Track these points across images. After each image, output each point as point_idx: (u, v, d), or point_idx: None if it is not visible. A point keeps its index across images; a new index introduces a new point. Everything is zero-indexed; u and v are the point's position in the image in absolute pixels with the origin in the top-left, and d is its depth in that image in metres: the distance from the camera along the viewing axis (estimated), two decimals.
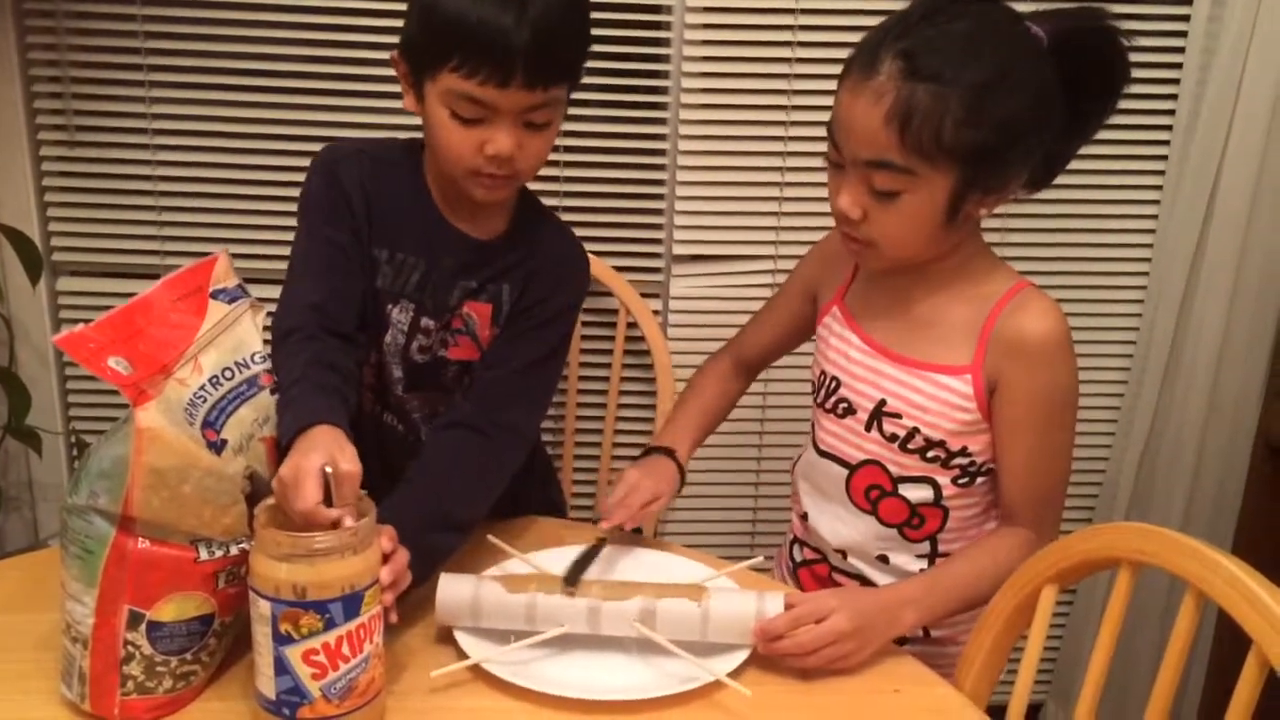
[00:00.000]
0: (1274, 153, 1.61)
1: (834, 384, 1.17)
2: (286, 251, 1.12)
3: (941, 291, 1.10)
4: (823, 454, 1.19)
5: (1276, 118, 1.59)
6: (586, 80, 1.10)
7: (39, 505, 1.77)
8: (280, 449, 0.92)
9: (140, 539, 0.85)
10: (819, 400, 1.20)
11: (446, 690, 0.94)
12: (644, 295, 1.66)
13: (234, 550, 0.89)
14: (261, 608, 0.83)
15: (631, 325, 1.64)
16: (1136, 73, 1.06)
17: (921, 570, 1.14)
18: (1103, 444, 1.80)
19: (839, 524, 1.18)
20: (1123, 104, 1.06)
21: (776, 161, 1.66)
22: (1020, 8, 1.03)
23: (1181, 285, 1.67)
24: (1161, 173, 1.69)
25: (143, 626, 0.86)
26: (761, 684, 0.96)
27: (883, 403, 1.12)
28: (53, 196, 1.66)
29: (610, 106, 1.67)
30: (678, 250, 1.70)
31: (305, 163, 1.14)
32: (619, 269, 1.65)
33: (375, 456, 0.92)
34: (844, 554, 1.19)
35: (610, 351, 1.68)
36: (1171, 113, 1.66)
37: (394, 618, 0.92)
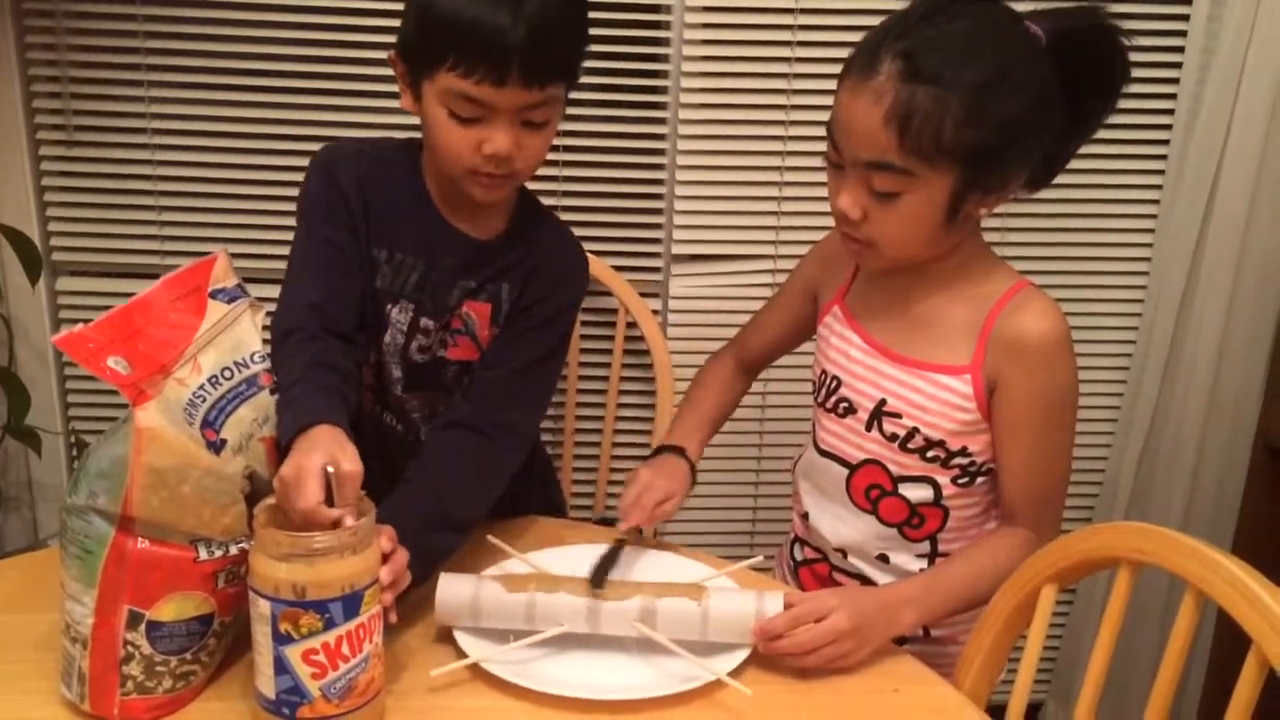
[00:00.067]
0: (1273, 152, 1.61)
1: (834, 383, 1.17)
2: (285, 251, 1.12)
3: (941, 291, 1.10)
4: (823, 453, 1.19)
5: (1275, 117, 1.59)
6: (586, 80, 1.10)
7: (39, 505, 1.77)
8: (281, 449, 0.92)
9: (140, 539, 0.85)
10: (819, 400, 1.20)
11: (446, 690, 0.94)
12: (643, 295, 1.66)
13: (233, 550, 0.89)
14: (261, 607, 0.83)
15: (631, 325, 1.64)
16: (1136, 72, 1.05)
17: (921, 570, 1.14)
18: (1102, 443, 1.80)
19: (839, 523, 1.18)
20: (1122, 103, 1.06)
21: (776, 161, 1.66)
22: (1019, 7, 1.03)
23: (1181, 284, 1.67)
24: (1161, 172, 1.69)
25: (142, 626, 0.86)
26: (761, 683, 0.96)
27: (883, 402, 1.12)
28: (52, 196, 1.67)
29: (610, 106, 1.67)
30: (677, 250, 1.70)
31: (304, 162, 1.13)
32: (618, 269, 1.65)
33: (375, 456, 0.92)
34: (844, 553, 1.19)
35: (610, 351, 1.68)
36: (1171, 112, 1.66)
37: (393, 618, 0.92)
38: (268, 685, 0.85)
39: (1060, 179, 1.11)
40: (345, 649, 0.84)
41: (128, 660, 0.87)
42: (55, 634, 0.90)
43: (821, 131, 1.06)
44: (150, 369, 0.85)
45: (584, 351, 1.70)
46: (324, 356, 1.01)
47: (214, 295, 0.96)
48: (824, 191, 1.09)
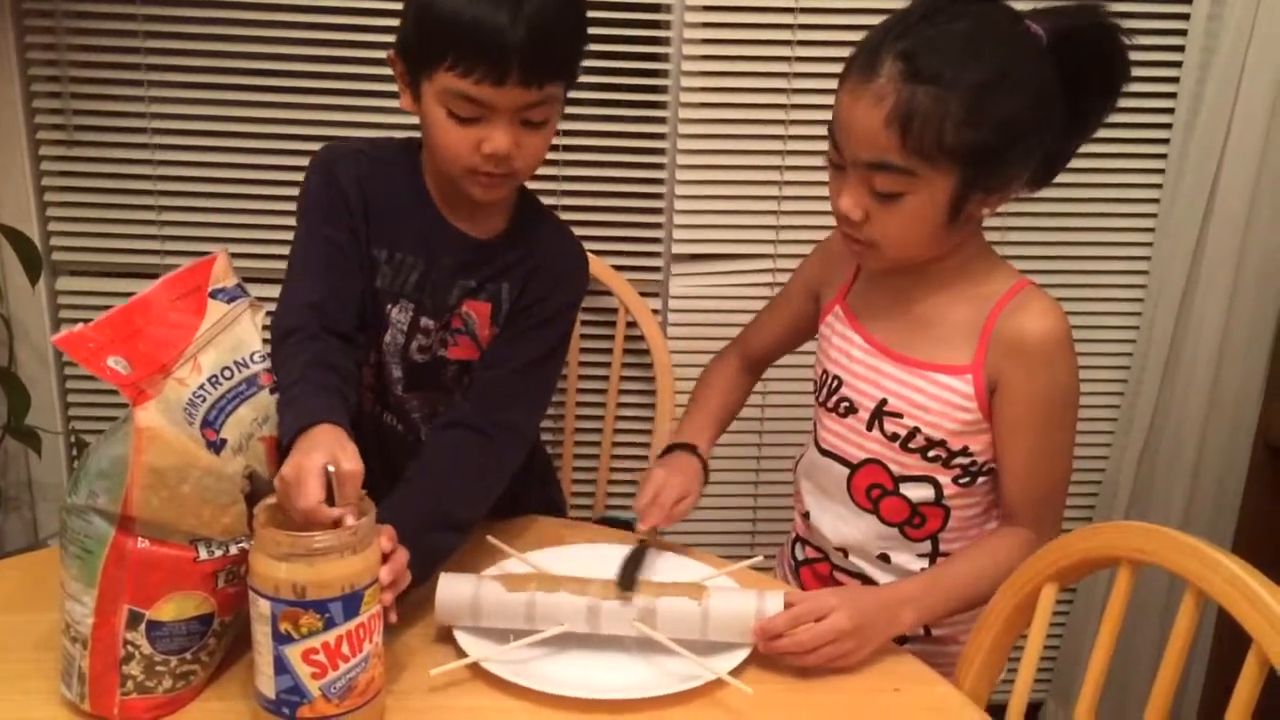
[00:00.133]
0: (1273, 151, 1.61)
1: (835, 383, 1.17)
2: (285, 251, 1.12)
3: (942, 291, 1.10)
4: (824, 453, 1.19)
5: (1276, 116, 1.59)
6: (586, 79, 1.10)
7: (39, 505, 1.77)
8: (281, 448, 0.92)
9: (140, 539, 0.85)
10: (820, 399, 1.20)
11: (446, 689, 0.94)
12: (643, 294, 1.66)
13: (233, 550, 0.89)
14: (261, 607, 0.83)
15: (631, 324, 1.64)
16: (1136, 71, 1.05)
17: (922, 570, 1.14)
18: (1102, 443, 1.80)
19: (840, 523, 1.18)
20: (1122, 102, 1.06)
21: (776, 160, 1.66)
22: (1019, 6, 1.03)
23: (1181, 283, 1.67)
24: (1161, 171, 1.69)
25: (142, 626, 0.86)
26: (762, 682, 0.96)
27: (884, 402, 1.12)
28: (52, 196, 1.67)
29: (610, 105, 1.67)
30: (677, 249, 1.70)
31: (304, 162, 1.13)
32: (618, 268, 1.65)
33: (375, 456, 0.92)
34: (845, 553, 1.19)
35: (610, 351, 1.68)
36: (1171, 111, 1.66)
37: (393, 617, 0.92)
38: (268, 685, 0.85)
39: (1060, 179, 1.11)
40: (345, 649, 0.84)
41: (128, 660, 0.87)
42: (55, 634, 0.90)
43: (821, 131, 1.06)
44: (150, 369, 0.85)
45: (584, 351, 1.70)
46: (324, 356, 1.01)
47: (214, 295, 0.96)
48: (824, 191, 1.09)
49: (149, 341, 0.87)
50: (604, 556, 1.10)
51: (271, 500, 0.88)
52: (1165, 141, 1.67)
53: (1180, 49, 1.62)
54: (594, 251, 1.34)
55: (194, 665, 0.90)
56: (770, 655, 0.98)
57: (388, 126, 1.60)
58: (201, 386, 0.89)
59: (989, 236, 1.14)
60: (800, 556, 1.26)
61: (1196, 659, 1.83)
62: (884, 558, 1.16)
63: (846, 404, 1.16)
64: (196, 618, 0.89)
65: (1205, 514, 1.77)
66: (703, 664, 0.95)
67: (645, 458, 1.72)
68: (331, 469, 0.86)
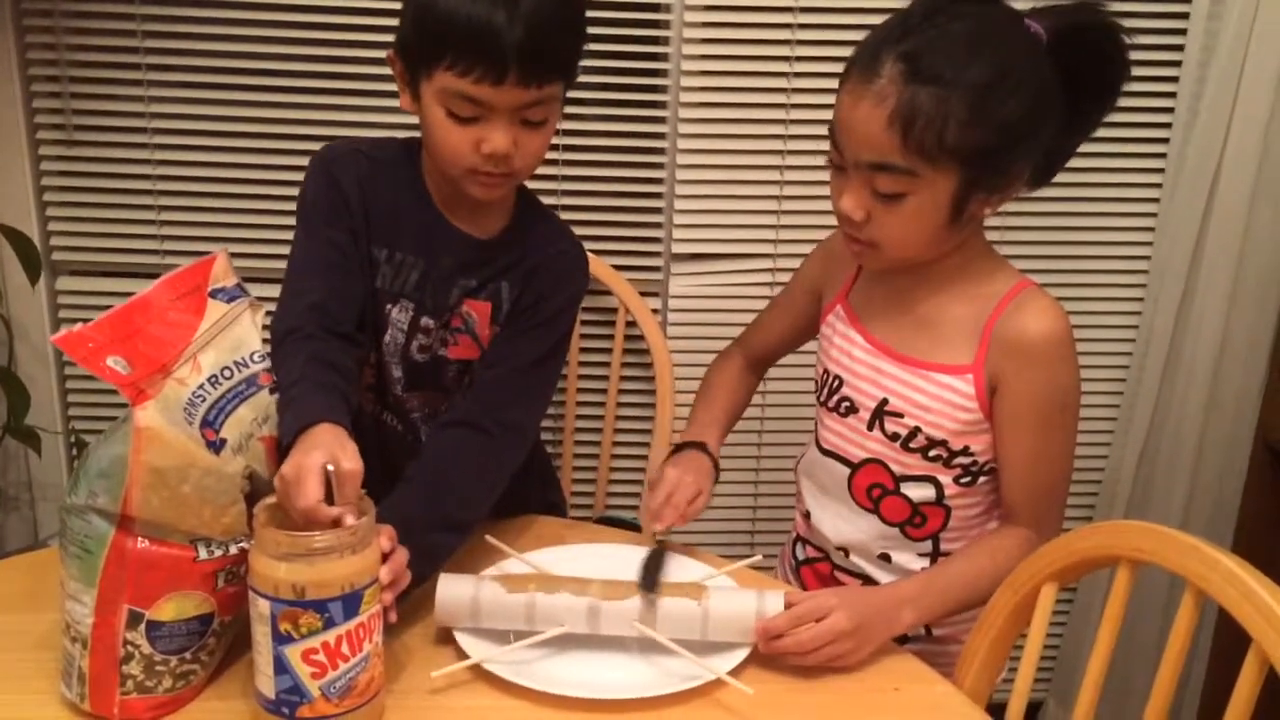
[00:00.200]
0: (1273, 151, 1.61)
1: (836, 383, 1.17)
2: (285, 251, 1.12)
3: (944, 291, 1.10)
4: (825, 452, 1.19)
5: (1275, 116, 1.59)
6: (586, 79, 1.10)
7: (38, 505, 1.77)
8: (281, 448, 0.92)
9: (139, 538, 0.85)
10: (821, 399, 1.20)
11: (446, 690, 0.94)
12: (643, 294, 1.66)
13: (233, 550, 0.89)
14: (261, 607, 0.83)
15: (631, 324, 1.64)
16: (1136, 70, 1.05)
17: (923, 569, 1.14)
18: (1102, 442, 1.80)
19: (841, 522, 1.18)
20: (1122, 102, 1.06)
21: (776, 160, 1.66)
22: (1019, 6, 1.03)
23: (1181, 283, 1.67)
24: (1161, 170, 1.69)
25: (142, 626, 0.86)
26: (762, 682, 0.95)
27: (885, 402, 1.12)
28: (51, 196, 1.67)
29: (609, 105, 1.67)
30: (677, 249, 1.70)
31: (304, 162, 1.13)
32: (618, 268, 1.65)
33: (375, 456, 0.92)
34: (846, 552, 1.19)
35: (609, 350, 1.68)
36: (1171, 110, 1.66)
37: (393, 617, 0.92)
38: (268, 685, 0.85)
39: (1060, 178, 1.11)
40: (345, 648, 0.84)
41: (128, 660, 0.87)
42: (55, 634, 0.90)
43: (822, 130, 1.06)
44: (150, 368, 0.85)
45: (584, 351, 1.70)
46: (324, 355, 1.01)
47: (214, 295, 0.96)
48: (824, 190, 1.09)
49: (149, 341, 0.87)
50: (604, 556, 1.10)
51: (271, 500, 0.88)
52: (1165, 141, 1.67)
53: (1180, 49, 1.62)
54: (594, 251, 1.34)
55: (194, 665, 0.90)
56: (770, 655, 0.98)
57: (388, 126, 1.60)
58: (201, 386, 0.89)
59: (990, 236, 1.14)
60: (801, 556, 1.26)
61: (1196, 658, 1.83)
62: (885, 557, 1.16)
63: (847, 403, 1.16)
64: (196, 618, 0.89)
65: (1205, 514, 1.77)
66: (703, 664, 0.95)
67: (645, 457, 1.72)
68: (331, 468, 0.86)
